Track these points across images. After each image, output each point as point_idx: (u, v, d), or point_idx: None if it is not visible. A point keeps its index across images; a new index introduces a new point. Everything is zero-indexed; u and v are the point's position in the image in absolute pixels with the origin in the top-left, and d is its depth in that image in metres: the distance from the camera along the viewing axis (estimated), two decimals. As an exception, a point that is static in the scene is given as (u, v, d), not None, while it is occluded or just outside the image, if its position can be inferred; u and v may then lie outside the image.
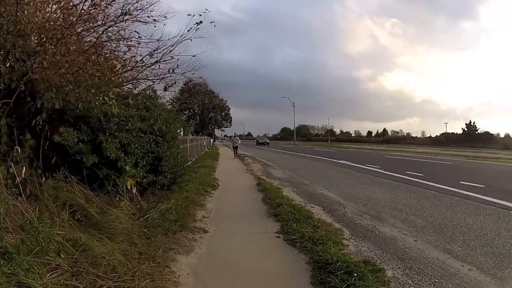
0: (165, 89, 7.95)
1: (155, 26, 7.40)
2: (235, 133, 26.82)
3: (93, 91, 5.60)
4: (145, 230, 4.94)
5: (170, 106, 8.18)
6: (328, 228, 5.66)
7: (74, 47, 5.96)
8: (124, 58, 6.95)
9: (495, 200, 8.35)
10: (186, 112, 68.65)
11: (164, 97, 8.30)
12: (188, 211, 6.35)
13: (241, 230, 5.80)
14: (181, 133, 25.54)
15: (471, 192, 9.48)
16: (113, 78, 6.39)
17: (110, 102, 5.86)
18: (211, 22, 7.69)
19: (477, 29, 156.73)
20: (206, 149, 35.45)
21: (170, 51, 7.59)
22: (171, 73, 7.88)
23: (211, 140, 56.24)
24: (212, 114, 75.70)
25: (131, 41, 7.20)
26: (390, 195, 9.29)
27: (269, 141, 75.00)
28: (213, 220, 6.25)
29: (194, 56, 7.98)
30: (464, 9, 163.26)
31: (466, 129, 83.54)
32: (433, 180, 11.83)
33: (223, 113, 77.92)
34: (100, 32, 6.72)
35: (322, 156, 27.27)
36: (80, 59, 5.97)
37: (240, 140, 27.97)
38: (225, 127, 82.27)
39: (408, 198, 8.82)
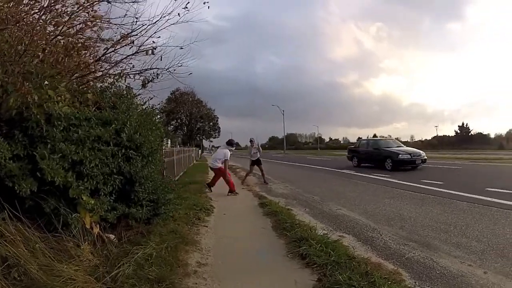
0: (143, 85, 6.03)
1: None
2: (251, 139, 16.30)
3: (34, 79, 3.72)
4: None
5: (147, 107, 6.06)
6: (383, 274, 4.05)
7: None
8: (86, 37, 5.01)
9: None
10: (173, 122, 67.13)
11: (141, 96, 6.30)
12: (177, 257, 4.36)
13: (260, 291, 3.80)
14: (168, 144, 23.72)
15: (505, 200, 8.53)
16: (68, 63, 4.37)
17: (58, 98, 3.91)
18: (204, 3, 6.00)
19: (463, 30, 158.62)
20: (195, 161, 33.75)
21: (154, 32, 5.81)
22: (152, 68, 6.11)
23: (199, 151, 54.43)
24: (200, 124, 73.81)
25: (101, 22, 5.37)
26: (422, 211, 7.82)
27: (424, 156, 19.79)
28: (214, 271, 4.29)
29: (181, 48, 6.29)
30: (450, 10, 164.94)
31: (459, 131, 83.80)
32: (456, 188, 10.67)
33: (211, 123, 76.18)
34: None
35: (319, 165, 25.37)
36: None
37: (261, 149, 15.72)
38: (214, 138, 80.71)
39: (444, 213, 7.49)
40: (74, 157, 3.98)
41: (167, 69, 6.27)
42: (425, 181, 12.84)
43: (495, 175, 15.22)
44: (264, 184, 14.01)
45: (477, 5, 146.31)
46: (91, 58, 5.54)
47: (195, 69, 6.69)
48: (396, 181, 13.43)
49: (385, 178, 14.44)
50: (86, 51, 5.09)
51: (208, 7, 6.06)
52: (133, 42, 5.61)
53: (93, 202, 4.05)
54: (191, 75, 6.64)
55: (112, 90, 5.45)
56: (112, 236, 4.45)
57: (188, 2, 5.77)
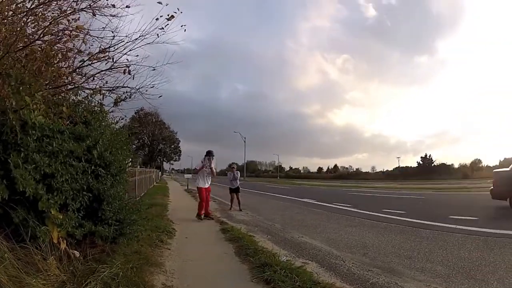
0: (116, 103, 5.98)
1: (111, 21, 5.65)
2: (232, 164, 16.22)
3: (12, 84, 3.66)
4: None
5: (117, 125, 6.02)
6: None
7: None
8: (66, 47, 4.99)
9: (496, 231, 8.20)
10: (136, 142, 65.94)
11: (112, 113, 6.23)
12: (142, 278, 4.26)
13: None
14: (129, 163, 23.11)
15: (468, 227, 8.95)
16: (46, 72, 4.32)
17: (33, 107, 3.86)
18: (182, 26, 6.08)
19: (430, 63, 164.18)
20: (155, 183, 33.20)
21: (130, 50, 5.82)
22: (124, 86, 6.09)
23: (160, 173, 53.59)
24: (162, 146, 72.78)
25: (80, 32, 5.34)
26: (384, 239, 8.02)
27: None
28: (179, 293, 4.22)
29: (154, 69, 6.27)
30: (418, 44, 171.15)
31: (421, 162, 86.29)
32: (418, 217, 11.00)
33: (172, 146, 75.31)
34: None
35: (279, 193, 25.57)
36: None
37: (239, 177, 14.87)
38: (174, 161, 79.82)
39: (407, 241, 7.70)
40: (46, 169, 3.88)
41: (139, 89, 6.23)
42: (387, 210, 13.07)
43: (458, 203, 15.92)
44: (228, 210, 13.88)
45: (445, 40, 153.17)
46: (67, 69, 5.47)
47: (161, 90, 6.68)
48: (358, 210, 13.42)
49: (345, 208, 14.23)
50: (65, 62, 5.04)
51: (185, 30, 6.12)
52: (112, 58, 5.60)
53: (61, 217, 3.95)
54: (160, 97, 6.64)
55: (84, 105, 5.39)
56: (77, 253, 4.32)
57: (167, 24, 5.83)
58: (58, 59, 4.76)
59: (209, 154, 11.14)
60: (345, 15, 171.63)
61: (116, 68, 5.93)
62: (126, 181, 5.99)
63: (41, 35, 4.74)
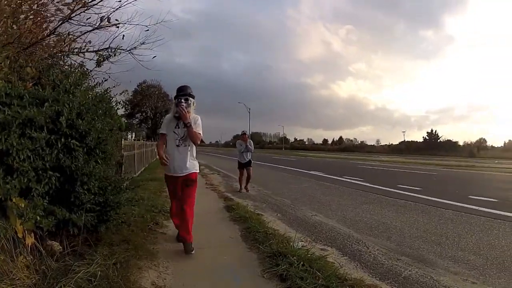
0: (98, 63, 5.17)
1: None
2: (244, 132, 12.39)
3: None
4: None
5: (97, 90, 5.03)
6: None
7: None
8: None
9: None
10: (138, 115, 65.38)
11: (95, 78, 5.38)
12: (127, 277, 3.47)
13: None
14: (132, 137, 22.39)
15: (491, 209, 8.50)
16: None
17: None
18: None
19: (437, 37, 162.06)
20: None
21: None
22: (111, 47, 5.31)
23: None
24: (165, 119, 71.96)
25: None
26: (407, 219, 7.46)
27: None
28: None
29: (147, 29, 5.51)
30: (424, 18, 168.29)
31: (427, 138, 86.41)
32: (436, 195, 10.63)
33: (176, 118, 74.46)
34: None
35: (285, 165, 25.23)
36: None
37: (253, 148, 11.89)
38: (178, 133, 79.06)
39: (431, 222, 7.19)
40: (-1, 144, 3.04)
41: (129, 50, 5.49)
42: (402, 186, 12.78)
43: (474, 182, 15.68)
44: (238, 191, 11.50)
45: (453, 16, 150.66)
46: (42, 29, 4.62)
47: (160, 62, 5.94)
48: (372, 185, 13.29)
49: (357, 182, 14.04)
50: (36, 17, 4.17)
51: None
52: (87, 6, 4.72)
53: (23, 205, 3.13)
54: (155, 58, 5.92)
55: (61, 68, 4.50)
56: (56, 244, 3.55)
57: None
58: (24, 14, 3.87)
59: (180, 92, 4.85)
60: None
61: (104, 27, 5.14)
62: (111, 155, 5.00)
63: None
